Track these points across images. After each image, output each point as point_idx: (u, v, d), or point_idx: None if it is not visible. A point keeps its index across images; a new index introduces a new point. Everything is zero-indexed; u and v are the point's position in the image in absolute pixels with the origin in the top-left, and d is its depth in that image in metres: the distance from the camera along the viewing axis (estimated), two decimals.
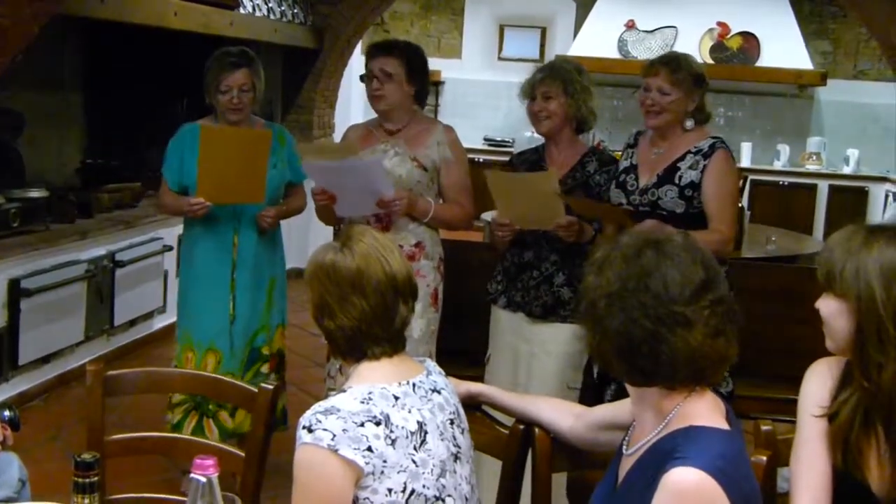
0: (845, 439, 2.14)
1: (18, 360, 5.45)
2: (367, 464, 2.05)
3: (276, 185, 4.38)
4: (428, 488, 2.13)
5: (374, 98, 4.03)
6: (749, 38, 11.36)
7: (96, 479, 1.95)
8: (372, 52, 4.05)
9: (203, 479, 1.80)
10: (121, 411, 4.34)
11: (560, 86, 3.86)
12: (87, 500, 1.95)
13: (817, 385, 2.25)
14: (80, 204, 6.31)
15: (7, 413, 2.79)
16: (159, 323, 6.88)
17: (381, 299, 2.21)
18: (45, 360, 5.71)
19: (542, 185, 3.73)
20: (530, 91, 3.91)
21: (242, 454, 2.67)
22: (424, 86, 4.12)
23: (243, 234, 4.33)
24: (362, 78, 4.10)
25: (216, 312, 4.31)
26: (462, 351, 4.32)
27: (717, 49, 11.38)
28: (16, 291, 5.38)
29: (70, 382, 5.79)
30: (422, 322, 4.00)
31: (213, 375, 3.13)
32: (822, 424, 2.19)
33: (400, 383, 2.20)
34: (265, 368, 4.43)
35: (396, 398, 2.16)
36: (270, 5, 7.94)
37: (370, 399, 2.12)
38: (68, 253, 5.86)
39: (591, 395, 3.79)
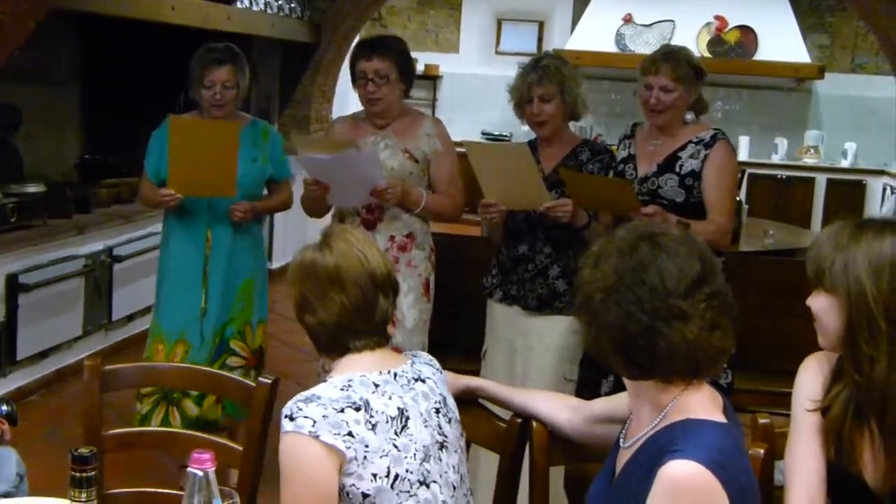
0: (838, 433, 2.15)
1: (16, 355, 5.46)
2: (348, 448, 2.07)
3: (255, 180, 4.38)
4: (412, 472, 2.15)
5: (370, 101, 4.03)
6: (746, 32, 11.36)
7: (93, 473, 1.95)
8: (362, 55, 4.02)
9: (200, 473, 1.80)
10: (119, 406, 4.34)
11: (557, 86, 3.84)
12: (84, 495, 1.95)
13: (810, 379, 2.25)
14: (77, 199, 6.30)
15: (4, 408, 2.80)
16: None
17: (359, 293, 2.24)
18: (43, 355, 5.72)
19: (517, 159, 3.73)
20: (527, 94, 3.88)
21: (240, 448, 2.67)
22: (412, 80, 4.14)
23: (217, 229, 4.32)
24: (354, 81, 4.09)
25: (187, 305, 4.33)
26: (458, 345, 4.32)
27: (715, 43, 11.38)
28: (14, 286, 5.38)
29: (68, 377, 5.79)
30: (414, 312, 4.02)
31: (211, 370, 3.13)
32: (816, 418, 2.19)
33: (381, 372, 2.23)
34: (232, 361, 4.42)
35: (377, 385, 2.19)
36: (268, 0, 7.94)
37: (350, 386, 2.15)
38: (66, 248, 5.86)
39: (589, 388, 3.79)
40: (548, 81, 3.83)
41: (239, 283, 4.42)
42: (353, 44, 5.36)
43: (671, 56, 3.76)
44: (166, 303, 4.40)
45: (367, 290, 2.25)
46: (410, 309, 4.01)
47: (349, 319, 2.25)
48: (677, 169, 3.73)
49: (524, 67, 3.95)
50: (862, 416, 2.13)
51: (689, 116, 3.82)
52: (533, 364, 3.89)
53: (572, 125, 4.12)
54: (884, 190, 11.24)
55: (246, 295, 4.45)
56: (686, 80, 3.73)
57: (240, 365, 4.44)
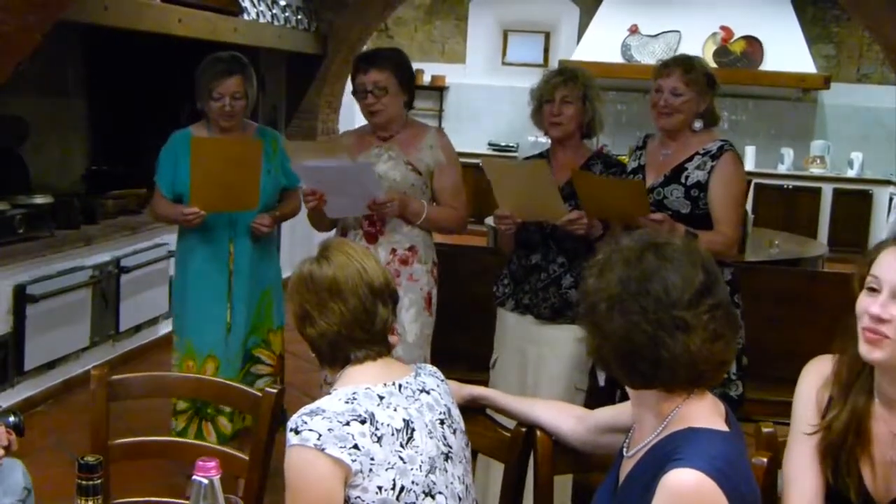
0: (836, 455, 2.13)
1: (24, 366, 5.47)
2: (353, 461, 2.08)
3: (270, 191, 4.38)
4: (417, 484, 2.15)
5: (371, 113, 4.03)
6: (752, 42, 11.38)
7: (99, 481, 1.96)
8: (361, 68, 4.02)
9: (205, 481, 1.81)
10: (128, 417, 4.36)
11: (580, 91, 3.87)
12: (90, 503, 1.96)
13: (810, 386, 2.24)
14: (84, 210, 6.33)
15: (12, 418, 2.80)
16: (164, 328, 6.88)
17: (359, 302, 2.26)
18: (51, 365, 5.73)
19: (536, 176, 3.73)
20: (550, 93, 3.89)
21: (246, 457, 2.68)
22: (413, 91, 4.15)
23: (239, 243, 4.32)
24: (355, 94, 4.09)
25: (214, 322, 4.32)
26: (463, 356, 4.32)
27: (721, 53, 11.39)
28: (21, 297, 5.39)
29: (75, 388, 5.80)
30: (415, 326, 4.01)
31: (218, 380, 3.14)
32: (815, 421, 2.18)
33: (385, 384, 2.24)
34: (257, 369, 4.43)
35: (381, 398, 2.19)
36: (274, 11, 7.97)
37: (354, 399, 2.16)
38: (73, 259, 5.88)
39: (599, 398, 3.78)
40: (573, 85, 3.87)
41: (261, 293, 4.44)
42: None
43: (684, 60, 3.78)
44: (194, 320, 4.36)
45: (366, 299, 2.26)
46: (412, 323, 4.01)
47: (349, 328, 2.25)
48: (683, 180, 3.72)
49: (551, 71, 4.02)
50: (863, 433, 2.11)
51: (698, 125, 3.81)
52: (544, 373, 3.89)
53: None
54: (890, 200, 11.23)
55: (267, 303, 4.47)
56: (697, 85, 3.73)
57: (266, 373, 4.46)
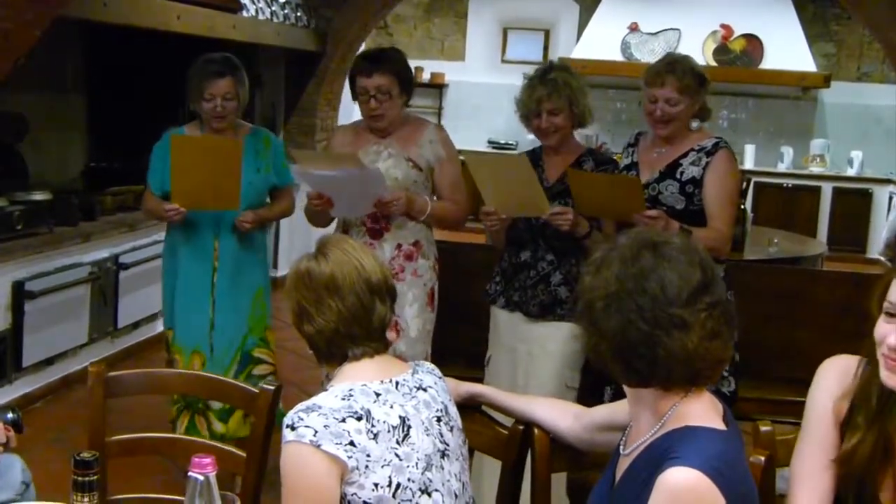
0: (857, 479, 2.08)
1: (22, 362, 5.47)
2: (349, 458, 2.07)
3: (260, 189, 4.39)
4: (413, 481, 2.15)
5: (374, 118, 4.01)
6: (752, 41, 11.37)
7: (96, 477, 1.96)
8: (363, 71, 3.99)
9: (201, 478, 1.80)
10: (125, 413, 4.35)
11: (566, 99, 3.84)
12: (86, 499, 1.96)
13: (827, 393, 2.16)
14: (83, 206, 6.32)
15: (10, 415, 2.80)
16: (162, 325, 6.87)
17: (356, 299, 2.25)
18: (49, 362, 5.73)
19: (516, 169, 3.74)
20: (536, 108, 3.86)
21: (244, 454, 2.68)
22: (412, 91, 4.13)
23: (223, 239, 4.34)
24: (355, 96, 4.07)
25: (197, 317, 4.35)
26: (461, 352, 4.32)
27: (721, 51, 11.39)
28: (19, 294, 5.39)
29: (73, 385, 5.80)
30: (418, 322, 4.02)
31: (215, 377, 3.13)
32: (829, 426, 2.15)
33: (382, 381, 2.23)
34: (259, 370, 4.44)
35: (378, 394, 2.19)
36: (273, 8, 7.95)
37: (351, 395, 2.16)
38: (72, 255, 5.88)
39: (591, 395, 3.79)
40: (557, 96, 3.82)
41: (252, 292, 4.44)
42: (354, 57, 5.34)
43: (675, 67, 3.77)
44: (179, 315, 4.40)
45: (364, 296, 2.26)
46: (414, 318, 4.02)
47: (347, 326, 2.25)
48: (678, 176, 3.74)
49: (531, 79, 3.93)
50: (888, 457, 2.08)
51: (696, 125, 3.83)
52: (535, 371, 3.89)
53: (578, 133, 4.12)
54: (890, 198, 11.24)
55: (261, 303, 4.48)
56: (690, 90, 3.75)
57: (268, 372, 4.47)
